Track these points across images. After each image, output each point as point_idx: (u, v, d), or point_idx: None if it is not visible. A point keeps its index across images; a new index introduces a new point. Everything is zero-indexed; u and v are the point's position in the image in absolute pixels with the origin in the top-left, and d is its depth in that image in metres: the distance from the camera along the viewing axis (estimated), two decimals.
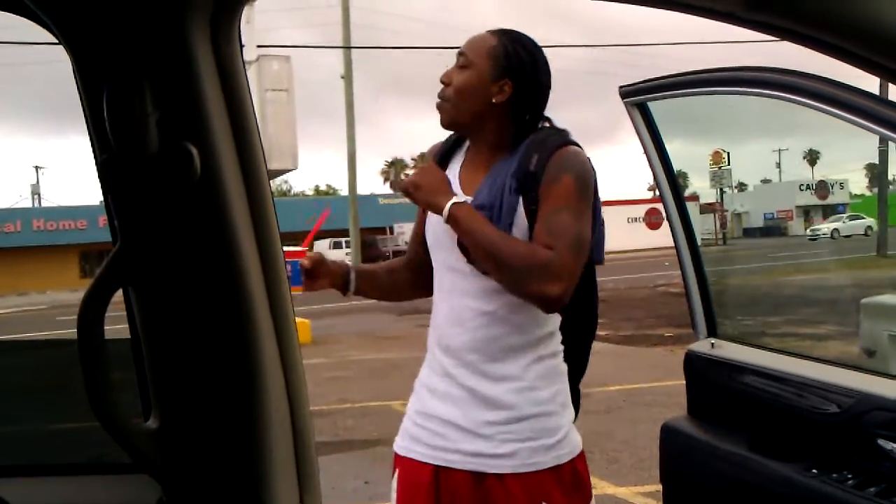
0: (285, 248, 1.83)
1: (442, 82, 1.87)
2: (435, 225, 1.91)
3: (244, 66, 0.86)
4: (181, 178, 0.78)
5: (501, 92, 1.83)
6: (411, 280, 2.11)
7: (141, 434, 0.87)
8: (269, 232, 0.87)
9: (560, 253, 1.72)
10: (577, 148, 1.84)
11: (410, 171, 1.88)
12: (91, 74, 0.80)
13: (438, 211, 1.77)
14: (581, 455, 1.92)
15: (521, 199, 1.80)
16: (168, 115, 0.78)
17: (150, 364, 0.87)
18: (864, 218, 41.23)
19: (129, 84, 0.77)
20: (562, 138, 1.84)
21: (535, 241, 1.76)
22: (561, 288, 1.72)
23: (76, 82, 0.84)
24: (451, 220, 1.77)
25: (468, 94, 1.83)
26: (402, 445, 1.95)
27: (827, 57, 0.76)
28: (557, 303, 1.75)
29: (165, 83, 0.79)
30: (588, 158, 1.86)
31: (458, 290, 1.87)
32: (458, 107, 1.85)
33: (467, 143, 1.98)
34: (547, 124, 1.90)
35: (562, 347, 1.93)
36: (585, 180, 1.80)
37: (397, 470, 1.96)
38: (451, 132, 1.99)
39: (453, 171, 1.96)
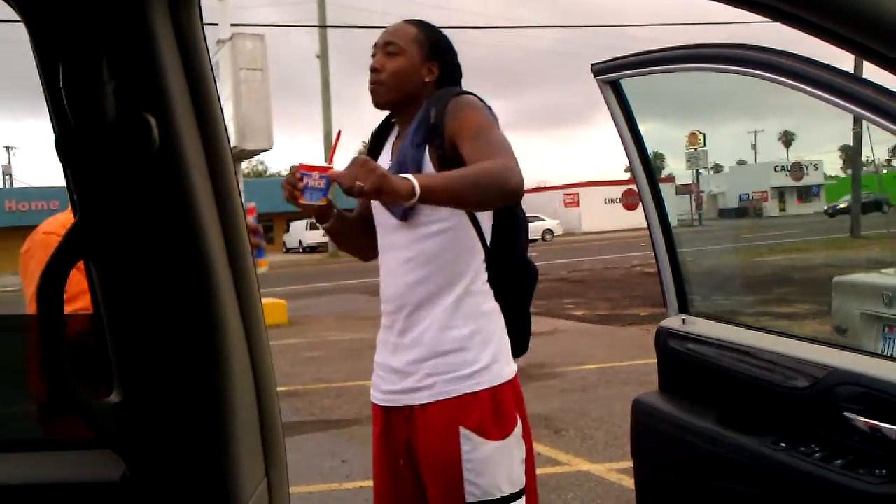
0: (313, 164, 1.98)
1: (375, 69, 2.10)
2: None
3: (204, 36, 0.85)
4: (139, 148, 0.77)
5: (430, 73, 2.13)
6: (362, 228, 2.28)
7: (102, 409, 0.86)
8: (230, 201, 0.86)
9: (504, 153, 1.91)
10: (471, 96, 2.07)
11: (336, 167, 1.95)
12: (47, 46, 0.79)
13: (409, 196, 1.75)
14: (507, 386, 2.06)
15: (426, 151, 2.02)
16: (125, 84, 0.77)
17: (111, 338, 0.86)
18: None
19: (85, 54, 0.75)
20: (457, 91, 2.09)
21: (469, 161, 1.92)
22: (518, 177, 1.89)
23: (34, 55, 0.82)
24: (425, 193, 1.77)
25: (402, 76, 2.09)
26: (372, 394, 2.21)
27: (804, 37, 0.76)
28: (521, 189, 1.91)
29: (122, 53, 0.77)
30: (483, 100, 2.08)
31: (386, 245, 2.13)
32: (393, 88, 2.10)
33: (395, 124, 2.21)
34: None
35: (487, 289, 2.10)
36: (485, 110, 2.04)
37: (372, 416, 2.22)
38: (386, 113, 2.22)
39: (387, 149, 2.21)
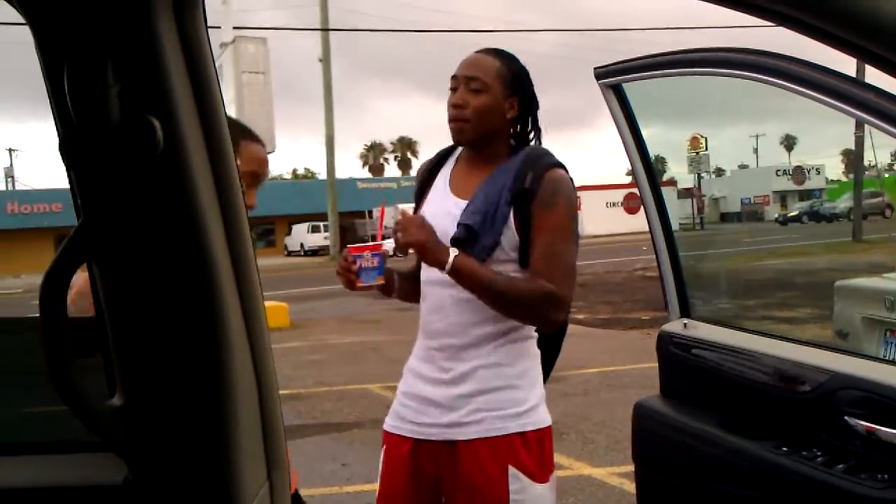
0: (363, 244, 2.08)
1: (457, 105, 2.04)
2: (428, 219, 2.07)
3: (208, 39, 0.85)
4: (143, 151, 0.77)
5: (512, 108, 2.07)
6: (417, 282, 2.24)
7: (105, 412, 0.86)
8: (234, 205, 0.87)
9: (559, 283, 1.96)
10: (564, 171, 2.06)
11: (391, 216, 2.08)
12: (52, 48, 0.79)
13: (442, 266, 1.93)
14: (548, 432, 2.07)
15: (512, 211, 1.99)
16: (129, 88, 0.77)
17: (114, 341, 0.86)
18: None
19: (89, 57, 0.76)
20: (552, 159, 2.06)
21: (532, 266, 1.98)
22: (564, 314, 2.00)
23: (38, 57, 0.82)
24: (453, 274, 1.93)
25: (487, 114, 2.04)
26: (390, 423, 2.17)
27: (806, 41, 0.76)
28: (559, 325, 2.03)
29: (127, 56, 0.77)
30: (572, 179, 2.08)
31: (439, 282, 2.04)
32: (478, 126, 2.04)
33: (458, 151, 2.20)
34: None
35: (534, 334, 2.11)
36: (573, 205, 2.04)
37: (385, 445, 2.17)
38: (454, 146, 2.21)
39: (444, 176, 2.18)
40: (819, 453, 1.84)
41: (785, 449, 1.90)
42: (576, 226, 2.05)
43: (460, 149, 2.20)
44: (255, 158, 2.18)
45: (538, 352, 2.12)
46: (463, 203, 2.05)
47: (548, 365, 2.20)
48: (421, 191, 2.24)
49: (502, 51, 2.12)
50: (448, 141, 2.18)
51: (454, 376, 2.03)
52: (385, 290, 2.14)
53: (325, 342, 10.80)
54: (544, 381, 2.15)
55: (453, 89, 2.07)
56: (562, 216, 2.00)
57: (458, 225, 2.00)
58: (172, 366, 0.85)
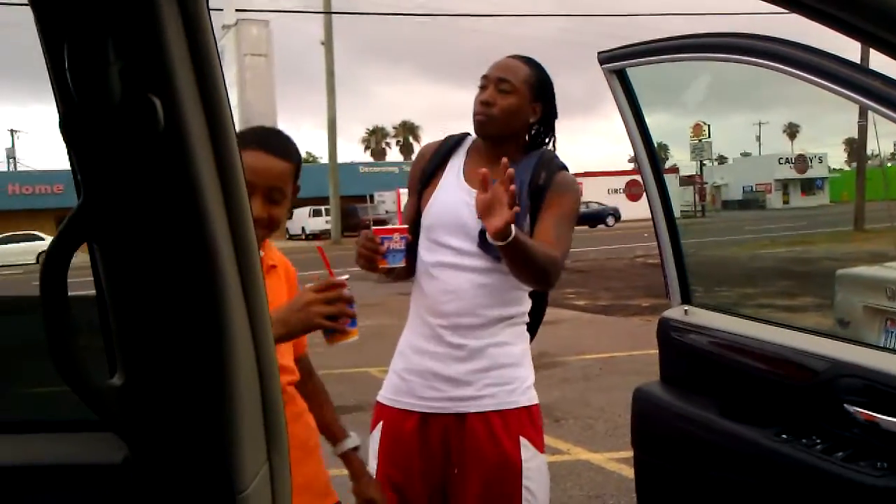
0: (389, 227, 2.10)
1: (487, 103, 2.20)
2: (440, 207, 2.24)
3: (210, 17, 0.84)
4: (144, 130, 0.77)
5: (535, 113, 2.26)
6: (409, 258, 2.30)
7: (105, 391, 0.86)
8: (235, 185, 0.86)
9: (562, 256, 2.15)
10: (570, 173, 2.29)
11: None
12: (52, 26, 0.78)
13: (507, 236, 1.95)
14: (539, 408, 2.25)
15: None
16: (130, 66, 0.76)
17: (114, 320, 0.86)
18: None
19: (90, 35, 0.75)
20: (562, 163, 2.27)
21: (541, 236, 2.14)
22: (558, 276, 2.15)
23: (38, 34, 0.81)
24: (514, 241, 1.97)
25: (512, 115, 2.21)
26: (388, 397, 2.27)
27: (810, 27, 0.76)
28: (553, 285, 2.18)
29: (128, 35, 0.77)
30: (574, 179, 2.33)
31: (455, 264, 2.18)
32: (503, 125, 2.21)
33: (468, 141, 2.34)
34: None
35: (527, 318, 2.29)
36: (579, 202, 2.28)
37: (382, 420, 2.26)
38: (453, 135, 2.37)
39: (456, 166, 2.30)
40: (818, 441, 1.84)
41: (784, 436, 1.90)
42: (577, 216, 2.27)
43: (470, 140, 2.34)
44: (248, 167, 2.16)
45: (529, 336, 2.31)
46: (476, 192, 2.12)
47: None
48: (427, 174, 2.31)
49: (532, 59, 2.30)
50: (453, 128, 2.31)
51: (467, 353, 2.15)
52: (389, 270, 2.18)
53: None
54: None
55: (483, 87, 2.23)
56: (571, 205, 2.21)
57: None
58: (173, 346, 0.85)
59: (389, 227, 2.10)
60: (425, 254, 2.25)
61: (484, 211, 1.97)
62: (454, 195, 2.23)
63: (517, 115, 2.22)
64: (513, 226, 1.95)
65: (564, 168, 2.26)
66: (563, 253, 2.15)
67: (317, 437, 2.06)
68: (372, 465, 2.24)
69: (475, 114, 2.22)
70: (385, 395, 2.29)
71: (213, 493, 0.88)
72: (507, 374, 2.16)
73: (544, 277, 2.11)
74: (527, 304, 2.28)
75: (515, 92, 2.20)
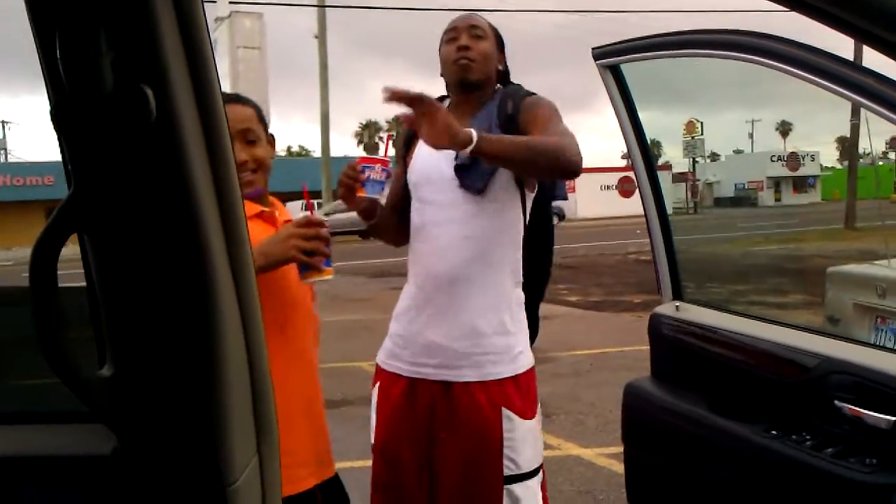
0: (373, 157, 2.08)
1: (465, 47, 2.20)
2: (422, 163, 2.23)
3: (203, 9, 0.84)
4: (136, 120, 0.76)
5: (500, 62, 2.31)
6: (396, 220, 2.37)
7: (95, 382, 0.86)
8: (227, 175, 0.86)
9: (566, 137, 2.03)
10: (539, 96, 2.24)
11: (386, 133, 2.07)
12: (44, 17, 0.78)
13: (467, 144, 1.87)
14: (533, 372, 2.24)
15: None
16: (123, 56, 0.76)
17: (104, 311, 0.86)
18: None
19: (83, 25, 0.74)
20: (526, 90, 2.25)
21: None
22: (575, 153, 1.99)
23: (30, 26, 0.81)
24: (481, 140, 1.88)
25: (488, 58, 2.24)
26: (384, 360, 2.32)
27: (804, 25, 0.75)
28: (575, 165, 2.00)
29: (120, 25, 0.76)
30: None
31: (441, 220, 2.18)
32: (483, 67, 2.22)
33: (444, 103, 2.28)
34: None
35: (521, 280, 2.25)
36: (555, 107, 2.19)
37: (378, 381, 2.33)
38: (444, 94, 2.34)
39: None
40: (808, 437, 1.85)
41: (774, 432, 1.91)
42: (561, 117, 2.15)
43: (447, 103, 2.32)
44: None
45: (523, 297, 2.26)
46: None
47: (534, 304, 2.39)
48: (408, 138, 2.35)
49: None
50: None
51: (451, 317, 2.14)
52: (367, 214, 2.24)
53: None
54: (534, 339, 2.36)
55: (453, 38, 2.24)
56: (545, 111, 2.14)
57: (457, 155, 2.08)
58: (162, 337, 0.85)
59: (374, 157, 2.10)
60: (415, 216, 2.26)
61: (425, 132, 1.87)
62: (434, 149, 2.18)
63: (492, 59, 2.25)
64: (472, 130, 1.88)
65: (532, 94, 2.23)
66: (565, 137, 2.03)
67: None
68: (372, 419, 2.32)
69: (454, 60, 2.21)
70: (381, 358, 2.33)
71: (203, 485, 0.88)
72: (494, 343, 2.14)
73: (554, 161, 1.98)
74: (518, 266, 2.23)
75: (487, 37, 2.24)
